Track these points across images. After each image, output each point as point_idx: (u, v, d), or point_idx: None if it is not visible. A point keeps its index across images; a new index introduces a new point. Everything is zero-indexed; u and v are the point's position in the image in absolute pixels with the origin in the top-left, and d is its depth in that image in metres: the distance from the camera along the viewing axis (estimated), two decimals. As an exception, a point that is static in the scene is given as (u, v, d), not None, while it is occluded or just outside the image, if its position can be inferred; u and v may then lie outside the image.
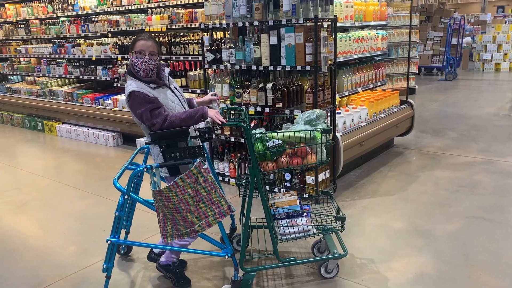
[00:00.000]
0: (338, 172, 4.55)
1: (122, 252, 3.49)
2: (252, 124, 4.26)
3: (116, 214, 2.81)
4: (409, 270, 3.11)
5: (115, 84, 6.95)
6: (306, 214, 2.99)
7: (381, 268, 3.15)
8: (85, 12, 7.16)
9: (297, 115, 4.24)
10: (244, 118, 2.99)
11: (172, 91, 2.98)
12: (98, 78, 7.22)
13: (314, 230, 2.97)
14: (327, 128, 2.87)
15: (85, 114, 7.20)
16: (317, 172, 4.24)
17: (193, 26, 5.64)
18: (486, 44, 13.52)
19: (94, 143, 7.01)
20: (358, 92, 5.41)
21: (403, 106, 5.91)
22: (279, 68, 4.20)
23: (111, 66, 7.01)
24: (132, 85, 2.80)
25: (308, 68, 4.03)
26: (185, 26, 5.75)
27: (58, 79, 8.33)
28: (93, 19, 7.13)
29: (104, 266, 2.84)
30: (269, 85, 4.26)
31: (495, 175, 4.83)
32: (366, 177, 4.91)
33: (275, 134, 2.84)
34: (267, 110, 4.34)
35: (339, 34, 4.84)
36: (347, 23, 5.04)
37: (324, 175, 4.39)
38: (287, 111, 4.22)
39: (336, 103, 5.02)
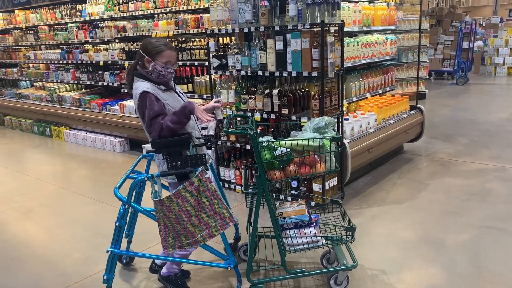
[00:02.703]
0: (345, 179, 4.46)
1: (124, 261, 3.44)
2: (258, 131, 4.19)
3: (117, 224, 2.76)
4: (419, 282, 3.01)
5: (122, 90, 6.94)
6: (314, 224, 2.91)
7: (391, 279, 3.05)
8: (92, 18, 7.18)
9: (304, 122, 4.19)
10: (251, 126, 2.93)
11: (178, 95, 2.95)
12: (105, 83, 7.23)
13: (323, 241, 2.90)
14: (336, 136, 2.79)
15: (92, 120, 7.20)
16: (324, 179, 4.16)
17: (199, 31, 5.61)
18: (498, 48, 13.32)
19: (101, 149, 7.00)
20: (367, 97, 5.32)
21: (412, 111, 5.80)
22: (285, 74, 4.14)
23: (118, 71, 7.00)
24: (142, 85, 2.76)
25: (314, 74, 3.96)
26: (191, 31, 5.72)
27: (66, 85, 8.36)
28: (100, 25, 7.14)
29: (105, 277, 2.80)
30: (275, 91, 4.19)
31: (508, 182, 4.70)
32: (375, 185, 4.81)
33: (282, 142, 2.77)
34: (273, 116, 4.27)
35: (347, 39, 4.77)
36: (355, 28, 4.97)
37: (332, 182, 4.31)
38: (294, 117, 4.14)
39: (344, 109, 4.95)
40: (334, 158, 2.84)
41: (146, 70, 2.81)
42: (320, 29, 3.89)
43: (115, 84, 7.03)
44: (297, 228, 2.89)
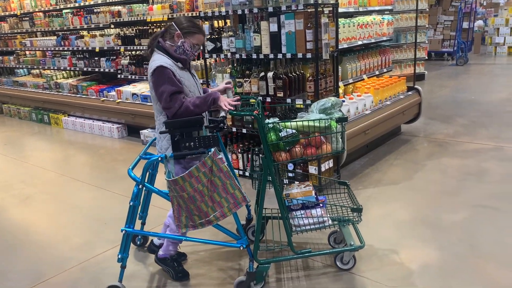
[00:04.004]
0: (342, 161, 4.47)
1: (138, 243, 3.48)
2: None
3: (131, 203, 2.78)
4: (413, 262, 3.04)
5: (118, 76, 6.91)
6: (321, 205, 2.93)
7: (385, 260, 3.08)
8: (87, 3, 7.11)
9: (299, 104, 4.18)
10: (256, 107, 2.95)
11: (192, 76, 2.95)
12: (102, 69, 7.20)
13: (330, 222, 2.91)
14: (342, 117, 2.77)
15: (90, 107, 7.19)
16: (319, 161, 4.16)
17: (194, 14, 5.55)
18: (498, 27, 13.17)
19: (99, 135, 7.01)
20: (363, 79, 5.29)
21: (409, 92, 5.77)
22: (280, 56, 4.11)
23: (114, 57, 6.97)
24: (161, 59, 2.74)
25: (309, 55, 3.94)
26: (186, 15, 5.67)
27: (63, 72, 8.32)
28: (95, 10, 7.08)
29: (119, 256, 2.83)
30: (270, 74, 4.17)
31: (504, 162, 4.70)
32: (371, 166, 4.82)
33: (288, 124, 2.76)
34: (268, 99, 4.26)
35: (342, 20, 4.72)
36: (351, 9, 4.91)
37: (328, 164, 4.31)
38: (289, 100, 4.13)
39: (341, 91, 4.93)
40: (340, 139, 2.83)
41: (170, 43, 2.80)
42: (313, 9, 3.84)
43: (112, 70, 7.00)
44: (304, 209, 2.90)
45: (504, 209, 3.68)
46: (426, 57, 9.98)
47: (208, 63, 4.92)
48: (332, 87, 4.29)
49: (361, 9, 5.05)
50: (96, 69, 7.32)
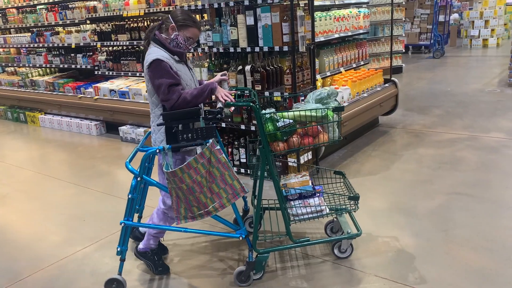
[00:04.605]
0: (320, 153, 4.51)
1: (140, 236, 3.44)
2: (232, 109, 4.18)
3: (129, 196, 2.77)
4: (389, 249, 3.10)
5: (96, 72, 6.82)
6: (318, 194, 2.96)
7: (362, 247, 3.14)
8: (62, -2, 6.99)
9: (277, 97, 4.20)
10: (253, 98, 2.95)
11: (189, 69, 2.95)
12: (78, 66, 7.09)
13: (327, 210, 2.95)
14: (339, 106, 2.80)
15: (67, 104, 7.08)
16: (298, 154, 4.20)
17: (171, 9, 5.51)
18: (473, 20, 13.44)
19: (77, 133, 6.91)
20: (341, 72, 5.35)
21: (386, 85, 5.85)
22: (257, 49, 4.12)
23: (91, 53, 6.87)
24: (157, 52, 2.74)
25: (285, 48, 3.96)
26: (163, 9, 5.63)
27: (39, 69, 8.17)
28: (70, 5, 6.96)
29: (118, 249, 2.82)
30: (247, 68, 4.18)
31: (478, 151, 4.82)
32: (350, 158, 4.88)
33: (285, 114, 2.78)
34: (246, 93, 4.26)
35: (319, 13, 4.76)
36: (327, 2, 4.96)
37: (307, 156, 4.35)
38: (267, 93, 4.15)
39: (319, 84, 4.97)
40: (337, 128, 2.86)
41: (165, 36, 2.80)
42: (289, 2, 3.86)
43: (89, 67, 6.90)
44: (301, 199, 2.93)
45: (477, 196, 3.78)
46: (404, 50, 10.13)
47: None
48: (310, 80, 4.32)
49: (337, 2, 5.10)
50: (73, 66, 7.21)
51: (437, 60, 11.64)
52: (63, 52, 7.33)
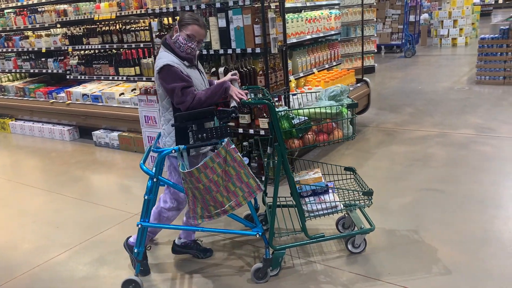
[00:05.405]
0: (295, 153, 4.56)
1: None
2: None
3: (146, 197, 2.76)
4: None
5: (67, 77, 6.71)
6: (331, 190, 2.99)
7: (336, 245, 3.19)
8: (30, 2, 6.84)
9: (250, 99, 4.22)
10: (267, 96, 2.99)
11: (200, 72, 2.95)
12: (50, 71, 6.96)
13: (342, 206, 2.98)
14: (353, 103, 2.84)
15: (38, 109, 6.94)
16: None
17: (143, 12, 5.48)
18: (442, 20, 13.79)
19: (49, 139, 6.78)
20: (314, 72, 5.42)
21: (358, 84, 5.96)
22: (230, 51, 4.14)
23: (63, 57, 6.76)
24: (167, 57, 2.75)
25: (258, 50, 3.99)
26: (134, 12, 5.59)
27: (8, 74, 7.97)
28: (39, 9, 6.83)
29: (136, 250, 2.82)
30: (221, 69, 4.20)
31: (448, 147, 4.96)
32: (324, 157, 4.95)
33: (300, 111, 2.81)
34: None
35: (290, 15, 4.81)
36: (299, 3, 5.02)
37: (282, 157, 4.39)
38: (240, 94, 4.16)
39: (294, 85, 5.02)
40: (351, 125, 2.90)
41: (173, 40, 2.81)
42: (260, 5, 3.90)
43: (60, 71, 6.78)
44: (314, 195, 2.96)
45: (447, 191, 3.89)
46: (376, 50, 10.31)
47: (158, 60, 4.87)
48: (283, 81, 4.37)
49: (308, 4, 5.17)
50: (44, 71, 7.07)
51: (408, 60, 11.89)
52: (33, 57, 7.19)
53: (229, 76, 3.06)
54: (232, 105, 2.81)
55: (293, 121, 2.78)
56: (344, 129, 2.87)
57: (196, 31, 2.80)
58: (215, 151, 2.60)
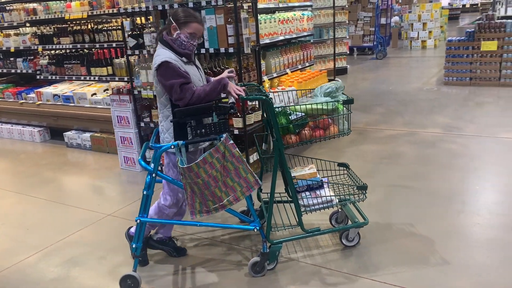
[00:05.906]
0: (268, 153, 4.60)
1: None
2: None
3: (144, 193, 2.76)
4: (332, 242, 3.23)
5: (38, 77, 6.57)
6: (326, 185, 3.03)
7: (309, 243, 3.25)
8: (-2, 0, 6.68)
9: (225, 99, 4.25)
10: (264, 92, 3.02)
11: (197, 68, 2.95)
12: (19, 71, 6.80)
13: (337, 201, 3.02)
14: (349, 99, 2.88)
15: (7, 110, 6.77)
16: (248, 153, 4.27)
17: (115, 11, 5.43)
18: (412, 23, 14.15)
19: (19, 140, 6.62)
20: (287, 73, 5.48)
21: (331, 84, 6.05)
22: (203, 51, 4.15)
23: (32, 57, 6.62)
24: (165, 54, 2.74)
25: (231, 50, 4.02)
26: (106, 12, 5.53)
27: (-25, 74, 7.74)
28: (7, 7, 6.67)
29: (133, 246, 2.81)
30: (194, 69, 4.20)
31: (416, 145, 5.11)
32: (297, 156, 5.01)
33: (297, 107, 2.84)
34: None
35: (263, 16, 4.86)
36: (271, 4, 5.08)
37: (256, 156, 4.43)
38: (214, 94, 4.18)
39: (267, 85, 5.07)
40: (346, 121, 2.95)
41: (171, 37, 2.79)
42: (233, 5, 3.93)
43: (30, 71, 6.63)
44: (310, 190, 3.00)
45: (415, 187, 4.02)
46: (348, 52, 10.50)
47: (132, 59, 4.84)
48: (256, 81, 4.41)
49: (281, 5, 5.24)
50: (13, 71, 6.91)
51: (380, 61, 12.16)
52: (1, 57, 7.01)
53: (226, 73, 3.08)
54: (230, 101, 2.86)
55: (290, 117, 2.83)
56: (340, 125, 2.94)
57: (197, 28, 2.84)
58: (215, 146, 2.63)
